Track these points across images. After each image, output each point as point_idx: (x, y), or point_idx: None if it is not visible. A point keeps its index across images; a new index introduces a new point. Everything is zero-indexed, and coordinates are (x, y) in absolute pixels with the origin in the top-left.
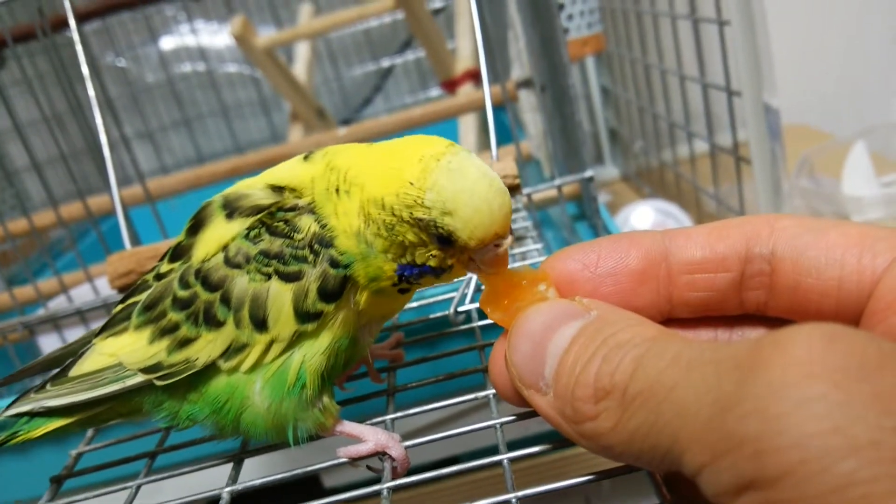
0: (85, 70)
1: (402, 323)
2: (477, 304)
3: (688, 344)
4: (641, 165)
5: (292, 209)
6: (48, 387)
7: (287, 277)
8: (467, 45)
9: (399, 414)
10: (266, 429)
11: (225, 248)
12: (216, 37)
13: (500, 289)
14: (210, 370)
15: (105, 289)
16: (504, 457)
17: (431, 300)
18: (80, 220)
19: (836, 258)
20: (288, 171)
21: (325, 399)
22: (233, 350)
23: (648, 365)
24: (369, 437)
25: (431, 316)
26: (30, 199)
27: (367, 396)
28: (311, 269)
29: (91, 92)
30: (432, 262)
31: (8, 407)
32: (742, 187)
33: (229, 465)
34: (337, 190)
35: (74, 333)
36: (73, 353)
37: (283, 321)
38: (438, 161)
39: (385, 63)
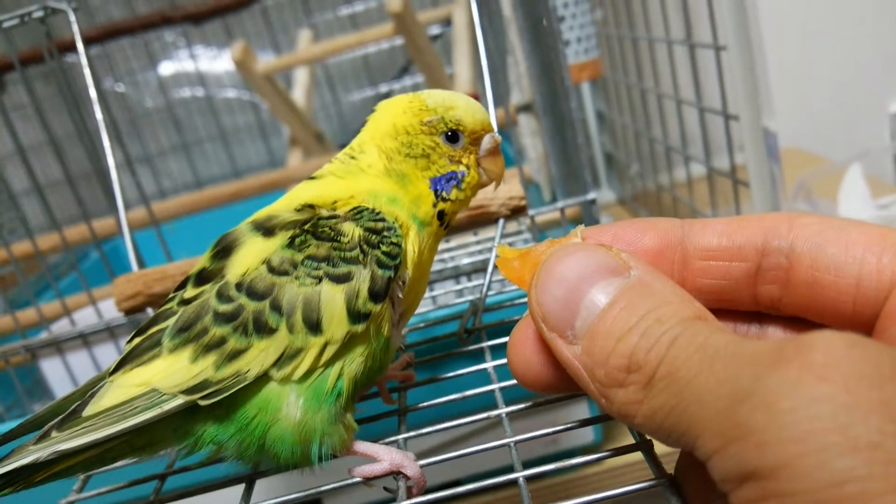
0: (93, 93)
1: (412, 343)
2: (485, 324)
3: (716, 332)
4: (638, 189)
5: (332, 217)
6: (54, 433)
7: (338, 279)
8: (465, 71)
9: (412, 433)
10: (292, 444)
11: (266, 260)
12: (215, 62)
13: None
14: (248, 386)
15: (108, 312)
16: (520, 475)
17: (440, 321)
18: (82, 244)
19: (855, 256)
20: (308, 192)
21: (348, 415)
22: (286, 357)
23: (680, 348)
24: (384, 456)
25: (440, 336)
26: (28, 223)
27: (379, 417)
28: (362, 269)
29: (98, 115)
30: (452, 167)
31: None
32: (740, 210)
33: (240, 487)
34: (353, 157)
35: (77, 357)
36: (62, 409)
37: (336, 322)
38: (417, 92)
39: (383, 88)
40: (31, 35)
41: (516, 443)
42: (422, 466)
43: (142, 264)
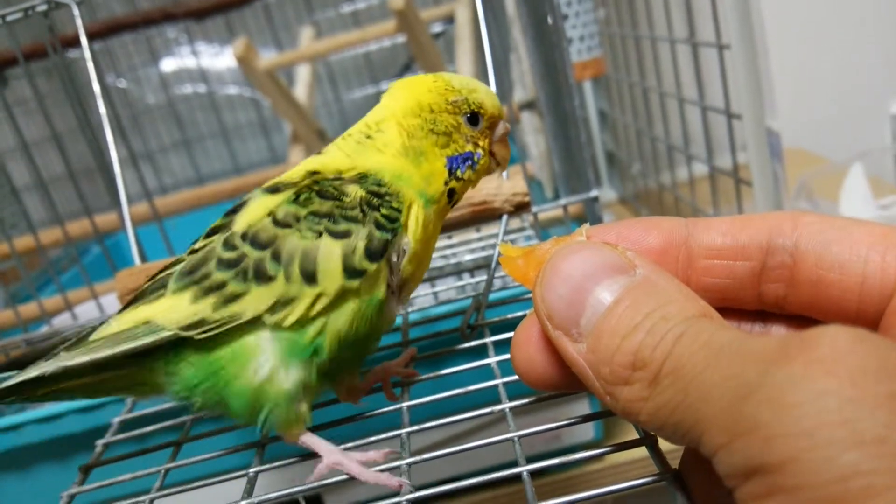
0: (97, 88)
1: (415, 339)
2: (488, 321)
3: (721, 328)
4: (640, 188)
5: (337, 179)
6: (61, 353)
7: (337, 235)
8: (467, 68)
9: (415, 427)
10: (242, 405)
11: (271, 213)
12: (217, 59)
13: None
14: (233, 332)
15: (109, 307)
16: (524, 469)
17: (442, 317)
18: (83, 239)
19: (860, 254)
20: (313, 162)
21: (304, 406)
22: (280, 304)
23: (685, 345)
24: (324, 453)
25: (443, 332)
26: (30, 217)
27: (382, 412)
28: (360, 228)
29: (102, 111)
30: (469, 147)
31: (14, 375)
32: (742, 209)
33: (243, 480)
34: (368, 136)
35: None
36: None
37: (331, 276)
38: (435, 73)
39: (385, 86)
40: (33, 30)
41: (520, 437)
42: (425, 461)
43: (144, 259)
